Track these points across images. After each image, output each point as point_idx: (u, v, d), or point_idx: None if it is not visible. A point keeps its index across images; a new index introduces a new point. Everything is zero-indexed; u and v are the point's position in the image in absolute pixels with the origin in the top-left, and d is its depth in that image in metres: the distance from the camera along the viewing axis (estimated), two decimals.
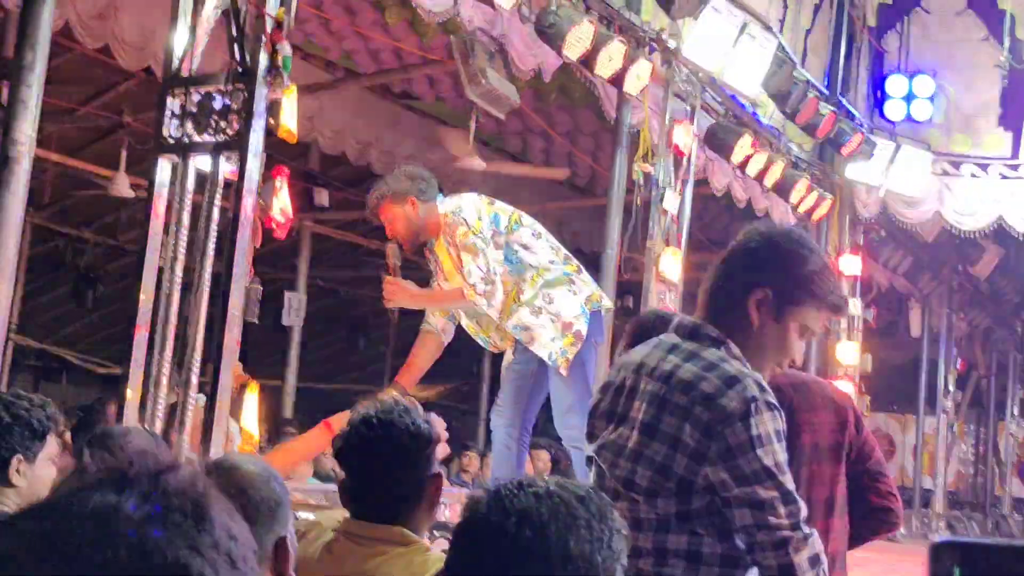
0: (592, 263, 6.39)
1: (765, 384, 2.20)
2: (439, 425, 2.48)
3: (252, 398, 5.16)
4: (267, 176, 4.68)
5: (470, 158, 8.62)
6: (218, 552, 0.77)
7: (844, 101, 9.65)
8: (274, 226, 4.74)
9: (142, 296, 4.52)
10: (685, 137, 7.39)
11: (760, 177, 8.43)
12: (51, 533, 0.74)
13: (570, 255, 4.92)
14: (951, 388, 13.44)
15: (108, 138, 9.52)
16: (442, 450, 2.48)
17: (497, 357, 5.08)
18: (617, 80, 6.54)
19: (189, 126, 4.58)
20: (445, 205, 4.72)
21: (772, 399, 2.18)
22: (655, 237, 7.29)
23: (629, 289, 8.06)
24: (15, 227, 3.92)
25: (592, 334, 4.77)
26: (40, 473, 2.83)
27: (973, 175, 10.11)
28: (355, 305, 14.55)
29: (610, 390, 2.37)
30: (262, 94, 4.45)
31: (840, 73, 9.83)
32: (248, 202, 4.43)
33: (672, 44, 7.14)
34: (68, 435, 4.41)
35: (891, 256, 11.44)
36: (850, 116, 9.45)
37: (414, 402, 4.95)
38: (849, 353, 10.19)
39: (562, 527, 1.43)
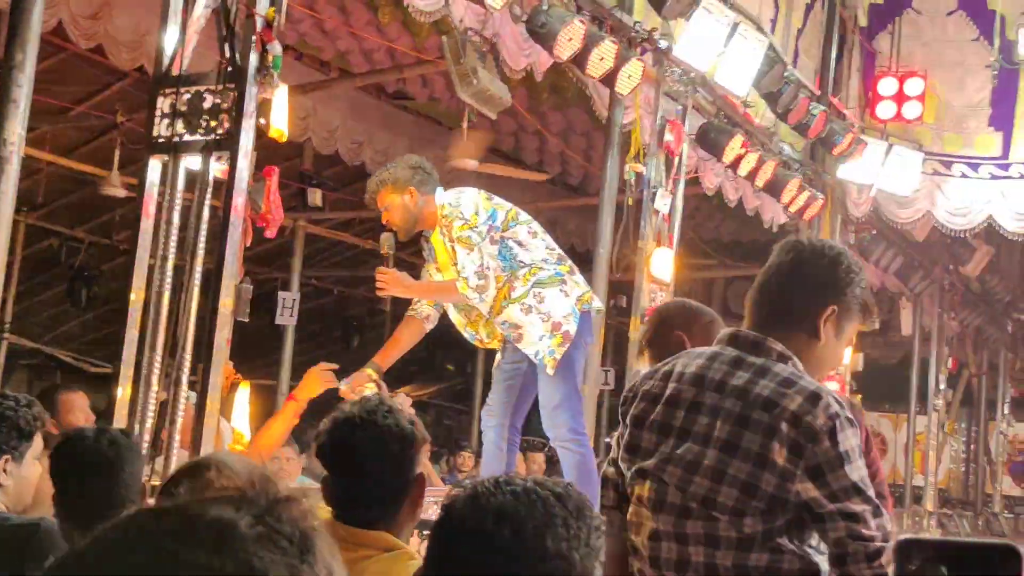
0: (584, 262, 6.41)
1: (841, 399, 2.24)
2: (406, 403, 2.48)
3: (243, 397, 5.17)
4: (258, 176, 4.69)
5: (462, 159, 8.63)
6: None
7: (835, 101, 9.67)
8: (265, 225, 4.76)
9: (133, 295, 4.53)
10: (676, 137, 7.41)
11: (751, 177, 8.43)
12: (169, 533, 0.78)
13: (564, 255, 4.92)
14: (942, 387, 13.47)
15: (102, 138, 9.52)
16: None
17: (491, 355, 5.09)
18: (609, 80, 6.54)
19: (180, 126, 4.58)
20: (444, 198, 4.73)
21: (850, 414, 2.22)
22: (647, 236, 7.30)
23: (621, 288, 8.06)
24: (5, 226, 3.93)
25: (582, 335, 4.77)
26: (26, 472, 2.84)
27: (964, 175, 10.13)
28: (349, 305, 14.57)
29: (656, 401, 2.33)
30: (252, 94, 4.46)
31: (831, 73, 9.83)
32: (238, 201, 4.44)
33: (664, 44, 7.14)
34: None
35: (882, 255, 11.46)
36: (841, 116, 9.47)
37: (405, 400, 4.99)
38: None
39: (539, 525, 1.41)
